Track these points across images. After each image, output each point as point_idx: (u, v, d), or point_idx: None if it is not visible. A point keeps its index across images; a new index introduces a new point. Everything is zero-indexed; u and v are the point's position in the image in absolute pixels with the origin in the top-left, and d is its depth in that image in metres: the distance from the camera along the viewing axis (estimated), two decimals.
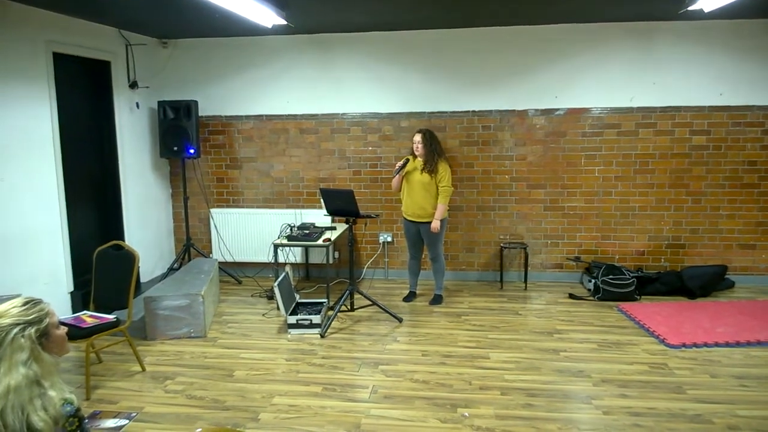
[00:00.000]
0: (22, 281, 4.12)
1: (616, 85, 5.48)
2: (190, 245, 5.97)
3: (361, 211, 4.63)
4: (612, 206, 5.67)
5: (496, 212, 5.84)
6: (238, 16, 4.32)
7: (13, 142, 4.14)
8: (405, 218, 5.15)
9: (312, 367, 3.90)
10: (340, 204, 4.67)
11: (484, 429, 3.06)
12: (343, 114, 5.90)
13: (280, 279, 4.66)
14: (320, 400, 3.41)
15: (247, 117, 6.02)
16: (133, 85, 5.52)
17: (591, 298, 5.32)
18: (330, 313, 4.77)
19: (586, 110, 5.57)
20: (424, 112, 5.77)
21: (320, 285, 5.80)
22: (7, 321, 1.64)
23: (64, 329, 1.83)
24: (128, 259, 3.71)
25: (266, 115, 5.99)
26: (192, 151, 5.63)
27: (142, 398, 3.46)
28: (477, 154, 5.76)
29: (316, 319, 4.51)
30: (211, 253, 6.16)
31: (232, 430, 3.01)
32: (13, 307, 1.69)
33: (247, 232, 6.09)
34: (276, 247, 5.14)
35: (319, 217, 5.80)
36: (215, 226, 6.12)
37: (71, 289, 4.73)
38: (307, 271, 6.24)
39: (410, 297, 5.32)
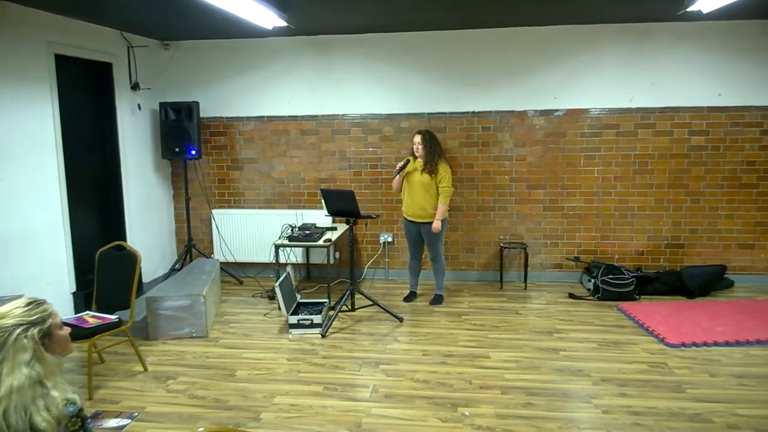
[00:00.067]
0: (24, 282, 4.14)
1: (615, 86, 5.50)
2: (192, 246, 5.99)
3: (362, 212, 4.65)
4: (611, 206, 5.69)
5: (496, 212, 5.86)
6: (239, 18, 4.34)
7: (14, 142, 4.15)
8: (405, 218, 5.17)
9: (313, 366, 3.92)
10: (341, 204, 4.69)
11: (485, 428, 3.08)
12: (344, 115, 5.92)
13: (281, 279, 4.68)
14: (321, 400, 3.43)
15: (248, 118, 6.04)
16: (135, 86, 5.54)
17: (591, 297, 5.33)
18: (331, 313, 4.79)
19: (586, 111, 5.59)
20: (424, 113, 5.79)
21: (321, 285, 5.82)
22: (10, 321, 1.64)
23: (67, 330, 1.83)
24: (130, 259, 3.73)
25: (267, 117, 6.02)
26: (193, 152, 5.65)
27: (144, 398, 3.48)
28: (477, 154, 5.78)
29: (317, 319, 4.53)
30: (212, 253, 6.18)
31: (234, 429, 3.02)
32: (16, 308, 1.69)
33: (249, 232, 6.11)
34: (277, 247, 5.16)
35: (319, 217, 5.82)
36: (217, 227, 6.13)
37: (73, 289, 4.75)
38: (308, 272, 6.26)
39: (411, 297, 5.34)
